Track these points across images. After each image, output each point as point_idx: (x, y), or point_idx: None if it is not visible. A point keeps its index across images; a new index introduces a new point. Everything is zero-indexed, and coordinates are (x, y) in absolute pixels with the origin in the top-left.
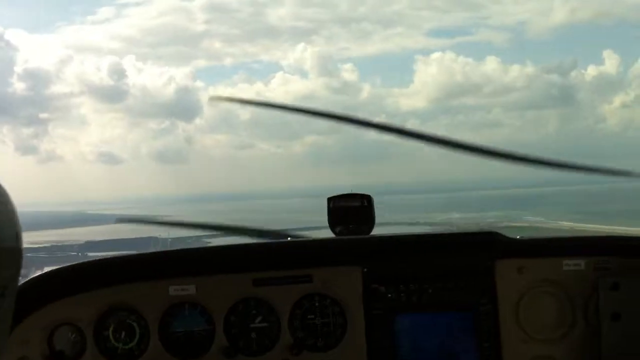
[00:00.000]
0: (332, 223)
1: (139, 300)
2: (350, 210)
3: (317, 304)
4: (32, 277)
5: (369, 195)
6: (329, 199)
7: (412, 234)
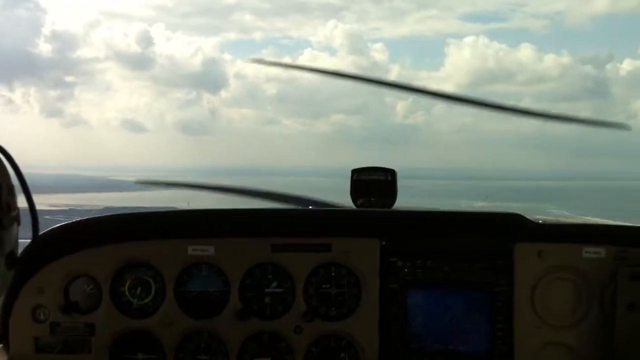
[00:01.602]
0: (354, 195)
1: (157, 257)
2: (374, 183)
3: (333, 274)
4: (52, 227)
5: (394, 170)
6: (353, 171)
7: (434, 210)
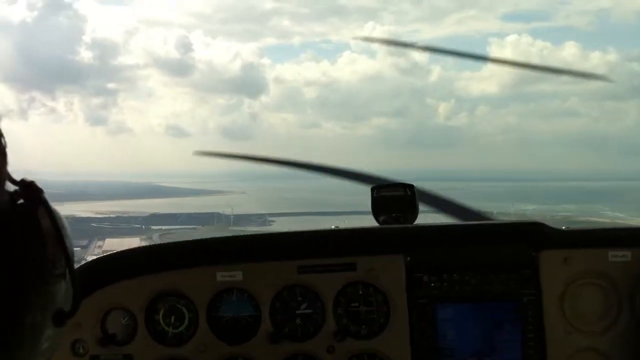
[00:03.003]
0: (376, 212)
1: (188, 285)
2: (394, 199)
3: (360, 292)
4: (84, 262)
5: (412, 185)
6: (373, 189)
7: (455, 224)
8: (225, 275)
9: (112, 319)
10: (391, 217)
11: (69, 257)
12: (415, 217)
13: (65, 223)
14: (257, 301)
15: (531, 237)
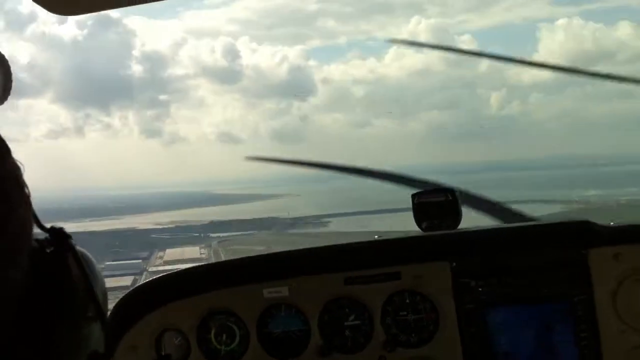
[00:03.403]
0: (418, 219)
1: (236, 303)
2: (435, 205)
3: (407, 300)
4: (136, 286)
5: (453, 189)
6: (413, 196)
7: (500, 227)
8: (272, 292)
9: (165, 340)
10: (434, 223)
11: (97, 302)
12: (458, 222)
13: (95, 266)
14: (305, 315)
15: (579, 235)
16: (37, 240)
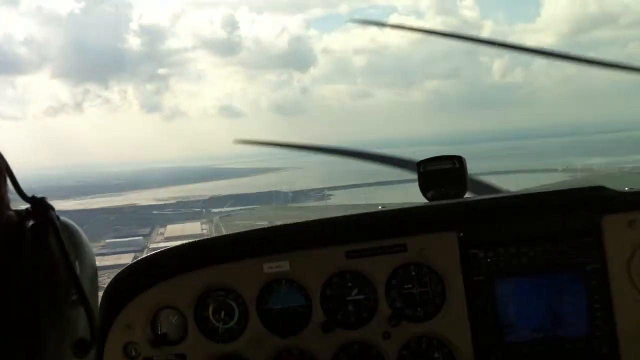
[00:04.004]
0: (424, 188)
1: (234, 279)
2: (442, 173)
3: (413, 273)
4: (129, 264)
5: (460, 157)
6: (419, 163)
7: (509, 195)
8: (272, 267)
9: (162, 319)
10: (440, 192)
11: (79, 284)
12: (465, 191)
13: (84, 239)
14: (307, 290)
15: (593, 202)
16: (17, 212)
